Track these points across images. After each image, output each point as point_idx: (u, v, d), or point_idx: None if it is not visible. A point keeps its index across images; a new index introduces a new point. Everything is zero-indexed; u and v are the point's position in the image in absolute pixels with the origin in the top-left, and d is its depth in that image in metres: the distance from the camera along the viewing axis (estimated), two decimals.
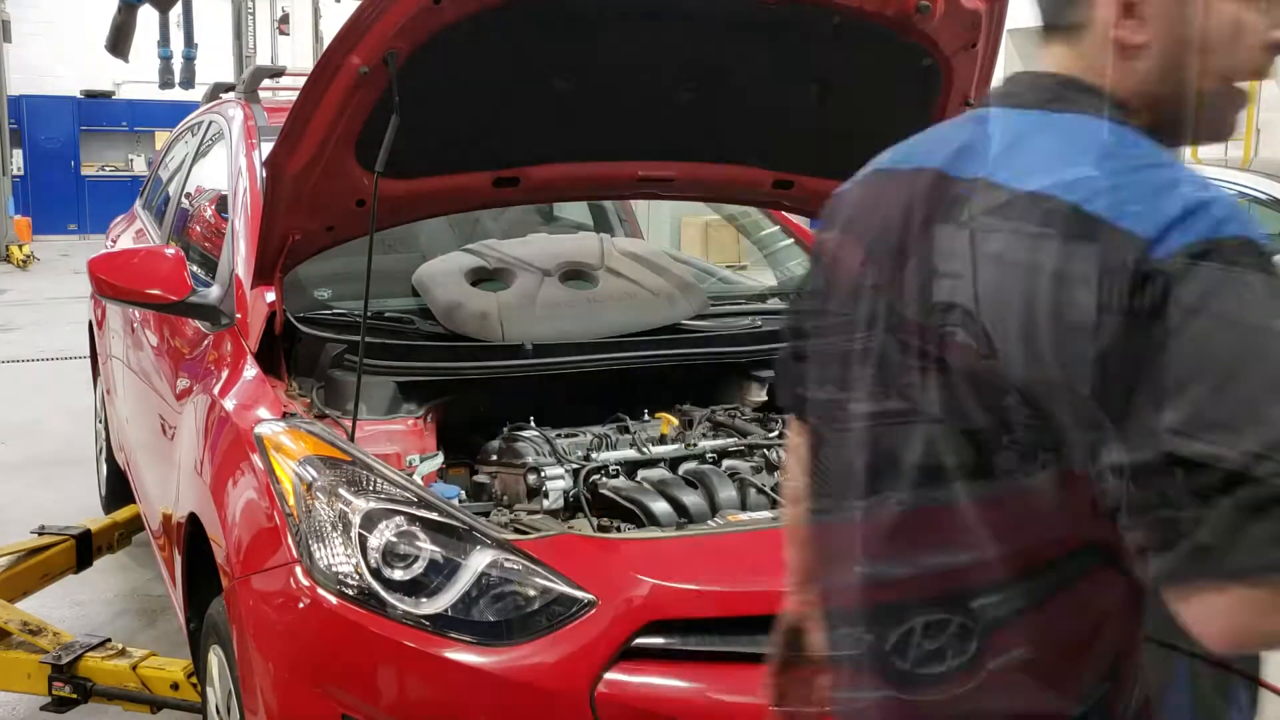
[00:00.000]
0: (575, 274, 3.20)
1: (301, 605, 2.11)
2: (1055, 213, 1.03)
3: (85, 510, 5.00)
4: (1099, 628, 1.11)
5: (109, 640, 3.21)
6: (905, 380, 1.13)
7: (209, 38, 15.19)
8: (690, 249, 10.12)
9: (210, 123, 4.17)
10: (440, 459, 2.54)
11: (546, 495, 2.40)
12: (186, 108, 7.71)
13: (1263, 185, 5.72)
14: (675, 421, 2.71)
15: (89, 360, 5.58)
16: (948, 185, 1.15)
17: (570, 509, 2.42)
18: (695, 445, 2.61)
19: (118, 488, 4.72)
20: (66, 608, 4.25)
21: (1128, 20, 1.09)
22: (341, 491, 2.18)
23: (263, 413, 2.50)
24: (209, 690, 2.60)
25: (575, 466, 2.47)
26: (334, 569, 2.09)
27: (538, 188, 2.90)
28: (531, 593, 2.06)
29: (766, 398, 3.03)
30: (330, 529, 2.13)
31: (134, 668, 3.07)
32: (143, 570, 4.61)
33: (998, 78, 3.15)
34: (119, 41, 12.26)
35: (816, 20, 2.65)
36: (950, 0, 2.64)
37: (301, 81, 2.47)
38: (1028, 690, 1.14)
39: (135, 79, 18.16)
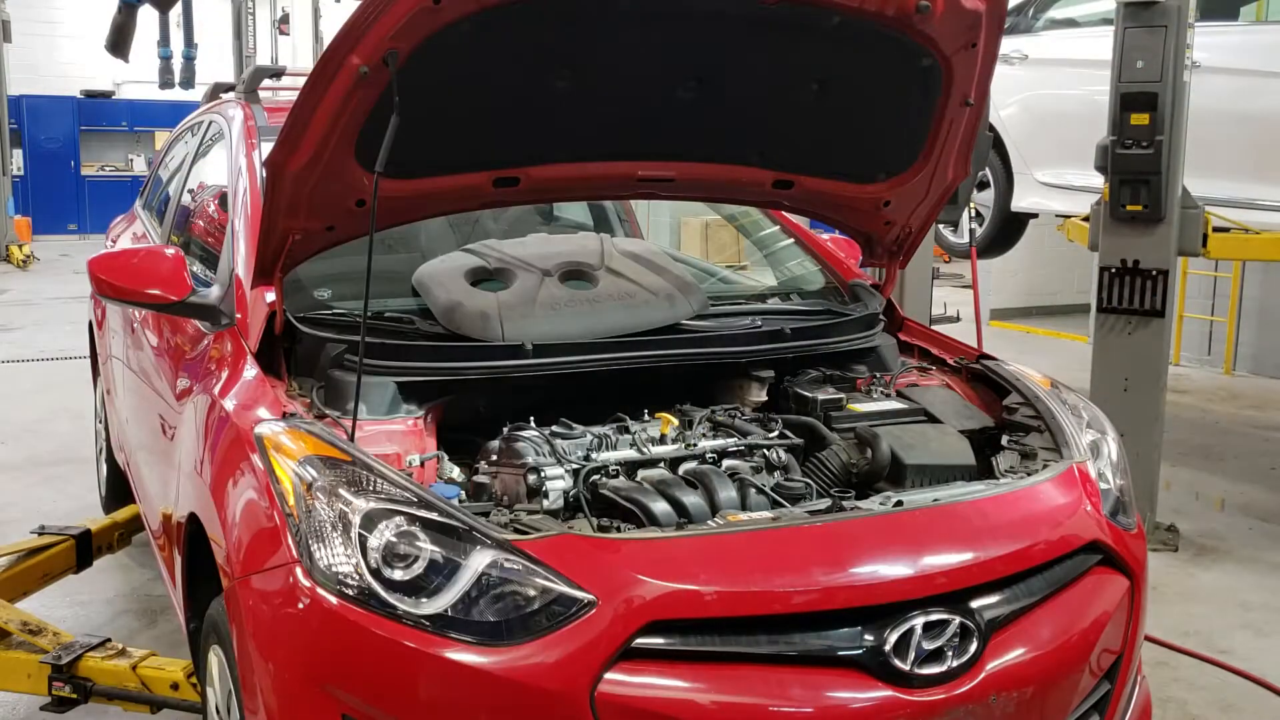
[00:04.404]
0: (575, 274, 3.20)
1: (301, 605, 2.11)
2: None
3: (85, 510, 5.01)
4: None
5: (109, 640, 3.22)
6: None
7: (209, 38, 15.20)
8: (690, 249, 10.11)
9: (210, 123, 4.17)
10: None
11: (546, 495, 2.40)
12: (186, 108, 7.71)
13: None
14: (675, 421, 2.71)
15: (89, 360, 5.58)
16: None
17: (570, 509, 2.42)
18: (695, 445, 2.61)
19: (118, 488, 4.72)
20: (66, 608, 4.25)
21: None
22: (341, 491, 2.18)
23: (263, 413, 2.50)
24: (209, 690, 2.60)
25: (575, 467, 2.47)
26: (334, 569, 2.09)
27: (538, 188, 2.90)
28: (531, 593, 2.06)
29: (766, 398, 3.03)
30: (330, 529, 2.13)
31: (134, 668, 3.07)
32: (143, 570, 4.61)
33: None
34: (119, 41, 12.25)
35: (816, 20, 2.65)
36: (950, 0, 2.64)
37: (301, 81, 2.47)
38: None
39: (135, 79, 18.18)
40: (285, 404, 2.54)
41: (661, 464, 2.55)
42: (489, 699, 2.00)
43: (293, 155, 2.48)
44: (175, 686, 3.02)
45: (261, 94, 3.85)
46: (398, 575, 2.07)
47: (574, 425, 2.63)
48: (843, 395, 2.95)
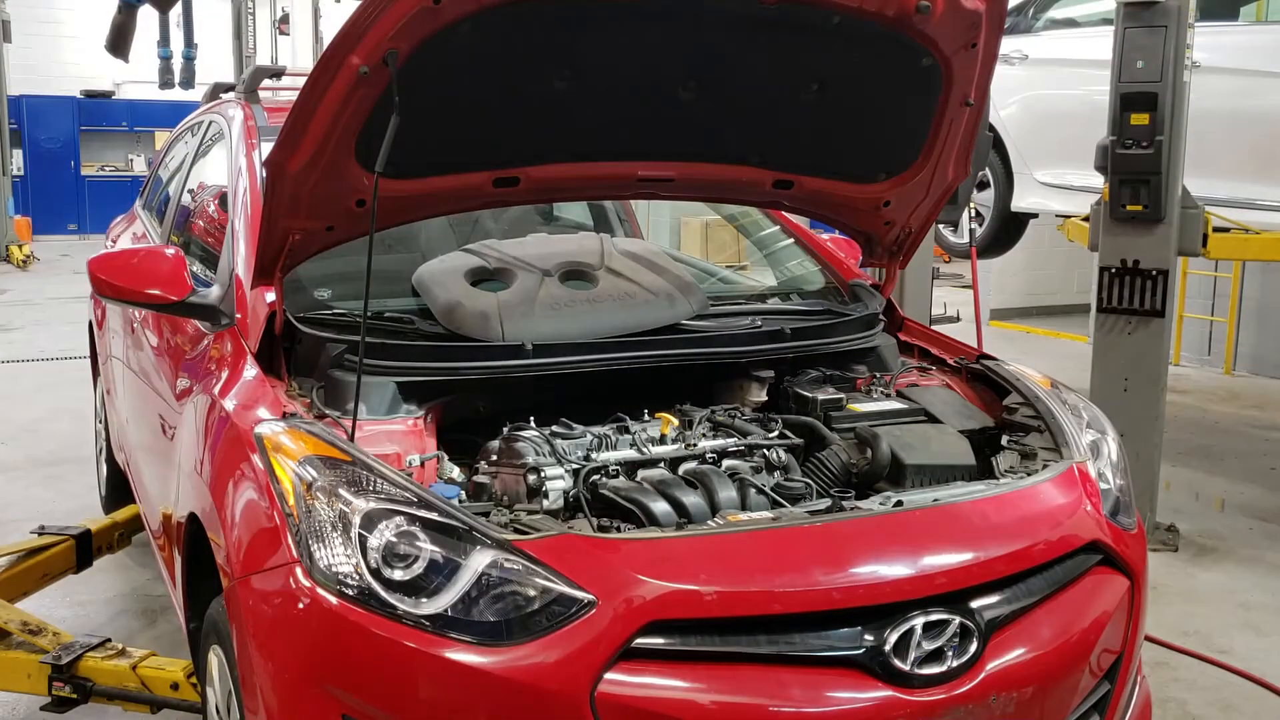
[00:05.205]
0: (575, 274, 3.20)
1: (301, 605, 2.11)
2: None
3: (85, 510, 5.01)
4: None
5: (109, 640, 3.22)
6: None
7: (209, 38, 15.21)
8: (690, 249, 10.12)
9: (210, 123, 4.17)
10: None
11: (546, 495, 2.40)
12: (186, 108, 7.71)
13: None
14: (675, 421, 2.71)
15: (89, 360, 5.58)
16: None
17: (570, 509, 2.42)
18: (695, 445, 2.61)
19: (118, 488, 4.72)
20: (66, 608, 4.25)
21: None
22: (341, 491, 2.18)
23: (263, 413, 2.50)
24: (209, 690, 2.60)
25: (575, 467, 2.47)
26: (334, 569, 2.09)
27: (538, 188, 2.90)
28: (531, 593, 2.06)
29: (766, 398, 3.03)
30: (330, 529, 2.13)
31: (134, 668, 3.07)
32: (143, 570, 4.61)
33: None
34: (119, 41, 12.26)
35: (816, 20, 2.65)
36: (950, 0, 2.64)
37: (301, 81, 2.47)
38: None
39: (135, 79, 18.18)
40: (285, 404, 2.54)
41: (661, 464, 2.55)
42: (489, 699, 2.00)
43: (293, 155, 2.48)
44: (175, 686, 3.02)
45: (261, 94, 3.85)
46: (398, 575, 2.07)
47: (574, 425, 2.63)
48: (843, 395, 2.95)
